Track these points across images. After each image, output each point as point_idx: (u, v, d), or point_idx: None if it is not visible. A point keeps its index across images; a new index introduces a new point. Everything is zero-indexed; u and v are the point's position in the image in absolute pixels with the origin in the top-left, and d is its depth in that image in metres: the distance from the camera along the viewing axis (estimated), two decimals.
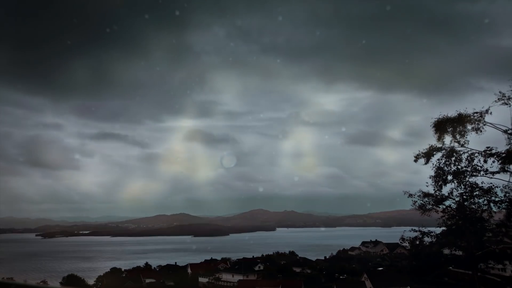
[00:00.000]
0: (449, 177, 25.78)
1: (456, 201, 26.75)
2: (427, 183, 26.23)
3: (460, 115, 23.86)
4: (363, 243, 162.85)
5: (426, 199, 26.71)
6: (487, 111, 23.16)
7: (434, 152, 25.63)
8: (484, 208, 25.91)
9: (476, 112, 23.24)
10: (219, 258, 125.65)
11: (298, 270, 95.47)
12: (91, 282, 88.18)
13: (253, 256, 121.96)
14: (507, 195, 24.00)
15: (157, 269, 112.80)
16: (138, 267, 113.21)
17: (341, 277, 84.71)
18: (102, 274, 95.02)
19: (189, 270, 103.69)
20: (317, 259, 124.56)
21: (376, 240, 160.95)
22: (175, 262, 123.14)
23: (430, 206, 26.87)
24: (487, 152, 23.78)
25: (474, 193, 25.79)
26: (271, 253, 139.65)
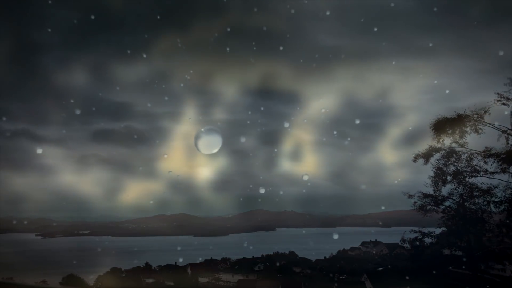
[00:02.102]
0: (449, 178, 25.83)
1: (456, 202, 26.78)
2: (426, 183, 26.29)
3: (459, 115, 23.90)
4: (363, 243, 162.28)
5: (426, 199, 26.75)
6: (485, 111, 23.20)
7: (434, 153, 25.66)
8: (484, 208, 25.93)
9: (476, 113, 23.29)
10: (219, 258, 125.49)
11: (298, 270, 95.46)
12: (90, 282, 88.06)
13: (253, 256, 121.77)
14: (506, 195, 24.02)
15: (157, 269, 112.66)
16: (138, 267, 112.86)
17: (341, 277, 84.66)
18: (102, 274, 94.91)
19: (188, 270, 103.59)
20: (317, 259, 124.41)
21: (376, 240, 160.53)
22: (175, 262, 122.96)
23: (430, 206, 26.89)
24: (487, 152, 23.81)
25: (474, 194, 25.81)
26: (271, 253, 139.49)
